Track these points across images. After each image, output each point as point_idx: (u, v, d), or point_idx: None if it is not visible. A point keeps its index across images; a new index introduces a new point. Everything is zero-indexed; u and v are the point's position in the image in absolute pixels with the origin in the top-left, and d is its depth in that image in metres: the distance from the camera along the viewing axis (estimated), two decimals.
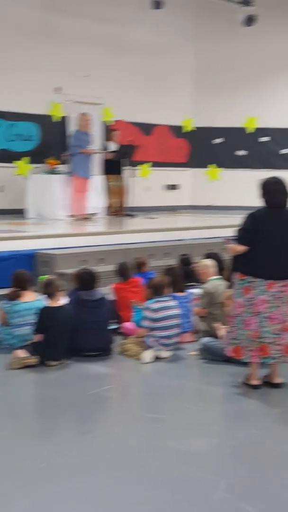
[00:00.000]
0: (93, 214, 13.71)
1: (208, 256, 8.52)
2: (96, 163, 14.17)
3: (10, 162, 14.25)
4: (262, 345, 5.87)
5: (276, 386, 6.01)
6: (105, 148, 14.49)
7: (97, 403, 5.66)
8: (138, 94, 16.32)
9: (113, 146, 14.46)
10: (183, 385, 6.32)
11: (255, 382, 5.98)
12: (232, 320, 6.05)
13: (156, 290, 7.20)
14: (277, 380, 6.04)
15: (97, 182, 13.88)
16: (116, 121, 15.99)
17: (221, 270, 7.99)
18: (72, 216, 13.08)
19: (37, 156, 14.23)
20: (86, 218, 13.25)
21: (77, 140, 13.25)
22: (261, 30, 16.86)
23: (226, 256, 7.09)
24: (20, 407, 5.66)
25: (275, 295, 5.84)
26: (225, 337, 6.30)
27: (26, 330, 6.87)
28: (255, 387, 5.96)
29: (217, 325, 7.10)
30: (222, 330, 6.79)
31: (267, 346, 5.87)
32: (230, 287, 6.28)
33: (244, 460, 4.41)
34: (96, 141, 14.60)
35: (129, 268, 8.28)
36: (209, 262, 7.91)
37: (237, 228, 6.02)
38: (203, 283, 7.83)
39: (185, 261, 9.16)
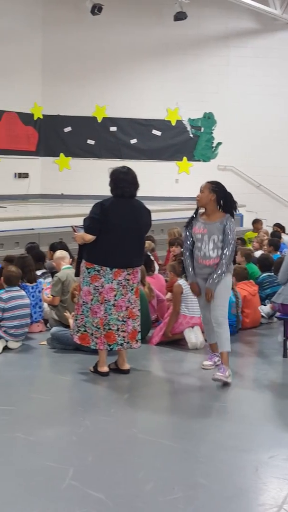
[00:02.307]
0: None
1: (53, 246, 8.54)
2: None
3: None
4: (108, 332, 5.97)
5: (124, 372, 6.13)
6: None
7: None
8: None
9: None
10: (32, 375, 6.30)
11: (103, 369, 6.07)
12: (79, 308, 6.09)
13: (11, 280, 7.08)
14: (125, 366, 6.16)
15: None
16: None
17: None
18: None
19: None
20: None
21: None
22: (109, 21, 17.01)
23: (75, 245, 7.13)
24: None
25: (122, 283, 5.96)
26: (73, 325, 6.34)
27: None
28: (104, 374, 6.05)
29: (67, 314, 7.13)
30: (71, 318, 6.82)
31: (113, 333, 5.98)
32: (77, 275, 6.32)
33: (91, 447, 4.47)
34: None
35: None
36: (62, 253, 7.96)
37: (85, 217, 6.06)
38: (55, 272, 7.86)
39: (32, 250, 9.10)
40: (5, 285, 7.08)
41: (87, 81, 18.05)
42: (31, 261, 7.90)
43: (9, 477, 4.03)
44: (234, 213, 6.19)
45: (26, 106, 17.52)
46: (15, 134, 17.20)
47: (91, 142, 18.37)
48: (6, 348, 6.83)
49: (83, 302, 6.02)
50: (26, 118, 17.62)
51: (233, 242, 6.05)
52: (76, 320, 6.14)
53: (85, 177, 17.70)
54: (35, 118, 17.90)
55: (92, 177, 16.92)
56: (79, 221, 6.30)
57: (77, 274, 6.28)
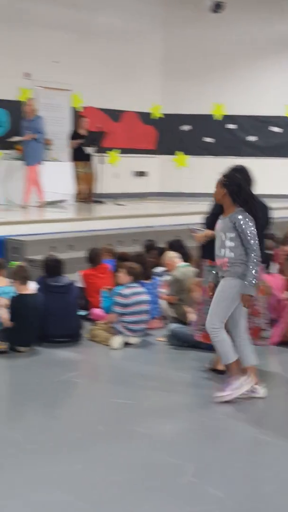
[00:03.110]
0: (61, 201, 13.71)
1: (170, 244, 8.62)
2: (65, 149, 14.21)
3: None
4: None
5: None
6: (72, 135, 14.41)
7: (66, 389, 5.70)
8: (107, 80, 16.27)
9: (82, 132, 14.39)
10: (151, 371, 6.39)
11: (221, 367, 6.07)
12: (201, 307, 6.11)
13: (137, 277, 7.24)
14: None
15: (66, 168, 13.87)
16: (85, 107, 15.94)
17: (185, 256, 8.09)
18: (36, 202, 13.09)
19: (7, 141, 14.06)
20: (50, 203, 13.22)
21: (21, 128, 13.25)
22: (229, 18, 16.89)
23: (193, 244, 7.16)
24: None
25: None
26: (193, 323, 6.37)
27: None
28: (221, 372, 6.04)
29: (186, 308, 7.17)
30: (191, 315, 6.86)
31: None
32: (198, 273, 6.34)
33: (210, 445, 4.50)
34: (65, 127, 14.62)
35: (99, 254, 8.32)
36: (174, 253, 8.03)
37: (206, 214, 6.08)
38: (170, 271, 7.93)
39: (150, 247, 9.23)
40: (124, 281, 7.22)
41: (206, 80, 18.02)
42: (146, 258, 8.03)
43: (129, 470, 4.13)
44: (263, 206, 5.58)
45: (145, 106, 17.73)
46: (134, 133, 17.46)
47: (209, 140, 18.34)
48: (126, 344, 6.98)
49: (205, 300, 6.04)
50: (145, 117, 17.85)
51: (251, 239, 5.34)
52: (198, 318, 6.17)
53: (201, 175, 17.67)
54: (154, 117, 18.10)
55: (209, 175, 16.86)
56: (196, 219, 6.31)
57: (199, 274, 6.29)
